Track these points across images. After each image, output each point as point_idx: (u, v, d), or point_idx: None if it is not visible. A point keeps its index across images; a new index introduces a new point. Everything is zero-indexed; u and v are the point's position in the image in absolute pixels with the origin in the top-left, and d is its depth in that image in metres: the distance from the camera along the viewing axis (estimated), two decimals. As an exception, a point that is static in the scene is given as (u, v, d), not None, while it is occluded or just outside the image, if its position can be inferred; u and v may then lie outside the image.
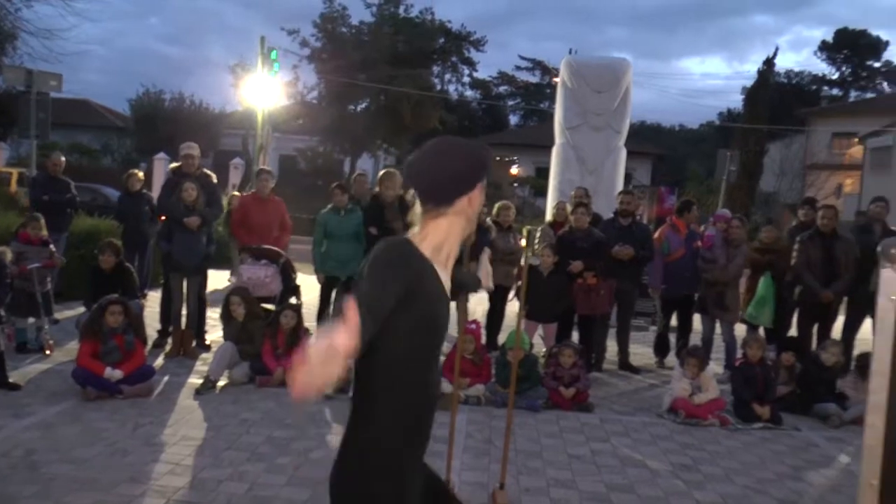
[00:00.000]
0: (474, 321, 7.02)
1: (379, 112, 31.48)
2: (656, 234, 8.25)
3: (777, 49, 33.83)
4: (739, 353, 7.94)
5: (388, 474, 2.05)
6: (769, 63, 30.81)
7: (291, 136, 32.34)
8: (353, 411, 2.10)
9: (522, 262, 8.76)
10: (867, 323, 7.78)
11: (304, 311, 7.23)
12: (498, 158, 38.54)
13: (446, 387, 6.23)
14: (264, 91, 15.98)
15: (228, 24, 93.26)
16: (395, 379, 2.04)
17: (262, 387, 6.28)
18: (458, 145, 2.17)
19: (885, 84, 57.13)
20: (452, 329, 8.80)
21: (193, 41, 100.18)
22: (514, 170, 38.08)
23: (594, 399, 6.50)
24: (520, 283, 8.88)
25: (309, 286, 8.17)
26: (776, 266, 7.68)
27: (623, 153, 11.78)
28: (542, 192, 36.54)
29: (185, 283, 7.36)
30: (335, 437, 5.13)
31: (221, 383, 6.29)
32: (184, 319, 7.44)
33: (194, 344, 7.43)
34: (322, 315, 7.75)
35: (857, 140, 38.22)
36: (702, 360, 6.36)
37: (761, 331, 7.89)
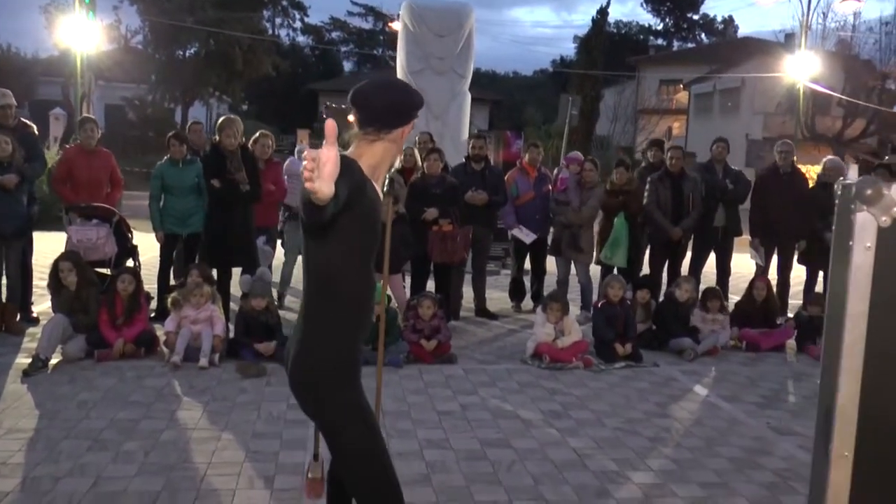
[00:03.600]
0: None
1: (210, 58, 29.77)
2: (505, 178, 8.17)
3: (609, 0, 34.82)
4: (597, 294, 8.15)
5: (344, 360, 2.42)
6: (603, 12, 31.73)
7: (117, 83, 29.88)
8: (306, 310, 2.43)
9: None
10: (711, 257, 8.12)
11: (144, 273, 6.60)
12: (335, 105, 37.69)
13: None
14: (82, 34, 14.49)
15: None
16: (347, 272, 2.38)
17: (102, 361, 5.65)
18: (403, 84, 2.59)
19: (702, 35, 60.80)
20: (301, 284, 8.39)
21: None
22: (352, 117, 37.34)
23: (455, 349, 6.35)
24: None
25: (147, 246, 7.49)
26: (628, 207, 7.81)
27: (468, 98, 11.68)
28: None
29: (4, 251, 6.51)
30: (186, 412, 4.68)
31: (54, 361, 5.59)
32: (4, 291, 6.59)
33: (18, 318, 6.60)
34: (164, 278, 7.10)
35: (682, 86, 40.43)
36: (564, 304, 6.35)
37: (615, 271, 8.04)
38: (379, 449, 2.50)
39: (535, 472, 4.02)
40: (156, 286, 7.12)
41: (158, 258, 7.20)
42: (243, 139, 6.53)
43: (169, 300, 5.94)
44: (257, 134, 7.30)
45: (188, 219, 6.91)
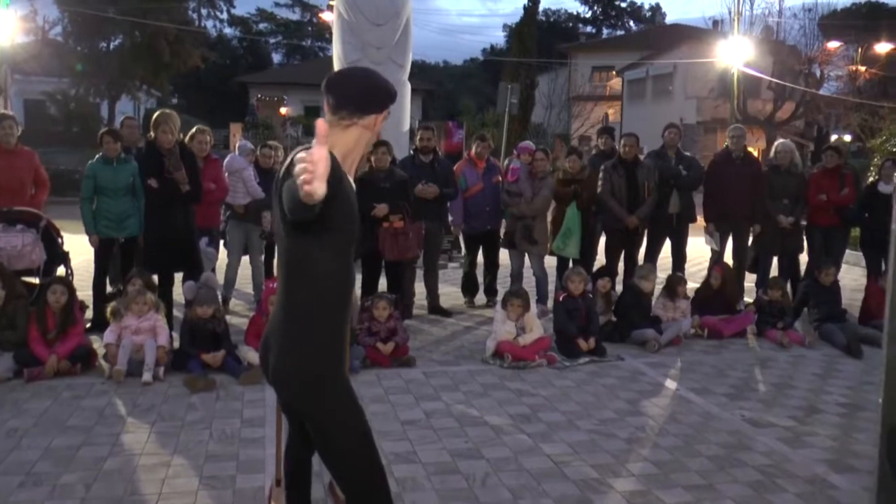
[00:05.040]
0: (275, 278, 6.27)
1: (135, 50, 28.59)
2: (454, 170, 7.93)
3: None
4: (552, 287, 7.98)
5: (330, 353, 2.44)
6: (534, 0, 31.65)
7: (36, 77, 28.47)
8: (287, 305, 2.44)
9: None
10: (666, 245, 8.03)
11: (77, 280, 6.15)
12: (266, 98, 36.89)
13: (255, 357, 5.53)
14: (-4, 26, 13.68)
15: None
16: (328, 264, 2.38)
17: (33, 381, 5.15)
18: (378, 74, 2.54)
19: (631, 22, 61.66)
20: (246, 286, 8.06)
21: None
22: (284, 109, 36.69)
23: (412, 351, 6.07)
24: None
25: (79, 249, 6.99)
26: (581, 196, 7.64)
27: (407, 88, 11.38)
28: (312, 131, 35.58)
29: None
30: (132, 436, 4.29)
31: (-25, 384, 5.10)
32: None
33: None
34: (100, 285, 6.60)
35: (615, 73, 40.84)
36: (525, 300, 6.13)
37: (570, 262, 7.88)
38: (368, 441, 2.53)
39: (511, 484, 3.78)
40: (91, 294, 6.63)
41: (93, 264, 6.68)
42: (181, 135, 6.10)
43: (108, 310, 5.48)
44: (194, 129, 6.85)
45: (124, 221, 6.41)
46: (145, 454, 4.04)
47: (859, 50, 30.62)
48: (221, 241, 7.60)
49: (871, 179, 8.54)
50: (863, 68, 30.32)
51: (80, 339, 5.50)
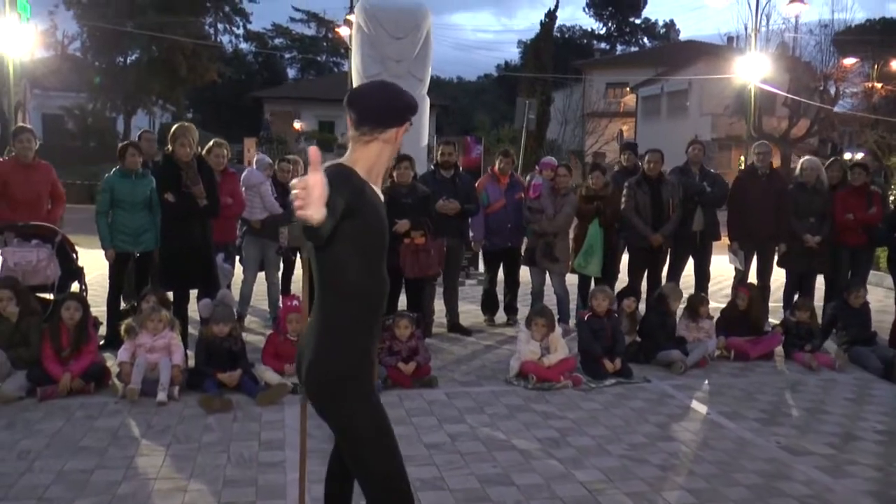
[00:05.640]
0: (294, 296, 6.15)
1: (152, 65, 28.73)
2: (476, 185, 7.80)
3: (558, 3, 35.16)
4: (573, 306, 7.82)
5: (360, 363, 2.49)
6: (551, 16, 31.68)
7: (55, 92, 28.66)
8: (320, 316, 2.49)
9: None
10: (689, 263, 7.86)
11: (90, 296, 6.04)
12: (280, 113, 37.00)
13: (272, 377, 5.42)
14: (15, 39, 13.67)
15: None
16: (358, 275, 2.44)
17: (46, 400, 5.02)
18: (398, 88, 2.54)
19: (645, 39, 61.65)
20: (261, 303, 7.91)
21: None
22: (297, 124, 36.77)
23: (434, 371, 5.90)
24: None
25: (93, 264, 6.88)
26: (604, 213, 7.50)
27: (426, 102, 11.26)
28: (328, 146, 35.67)
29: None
30: (146, 458, 4.16)
31: (-11, 402, 4.97)
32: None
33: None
34: (114, 301, 6.47)
35: (629, 89, 40.74)
36: (550, 320, 5.97)
37: (592, 281, 7.72)
38: (395, 454, 2.54)
39: (544, 513, 3.62)
40: (104, 310, 6.51)
41: (107, 279, 6.57)
42: (199, 149, 6.00)
43: (123, 327, 5.35)
44: (211, 143, 6.73)
45: (140, 236, 6.29)
46: (160, 478, 3.90)
47: (875, 66, 30.40)
48: (237, 257, 7.48)
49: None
50: (879, 85, 30.09)
51: (93, 356, 5.38)
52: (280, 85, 46.25)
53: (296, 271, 7.96)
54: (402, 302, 7.10)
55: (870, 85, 29.59)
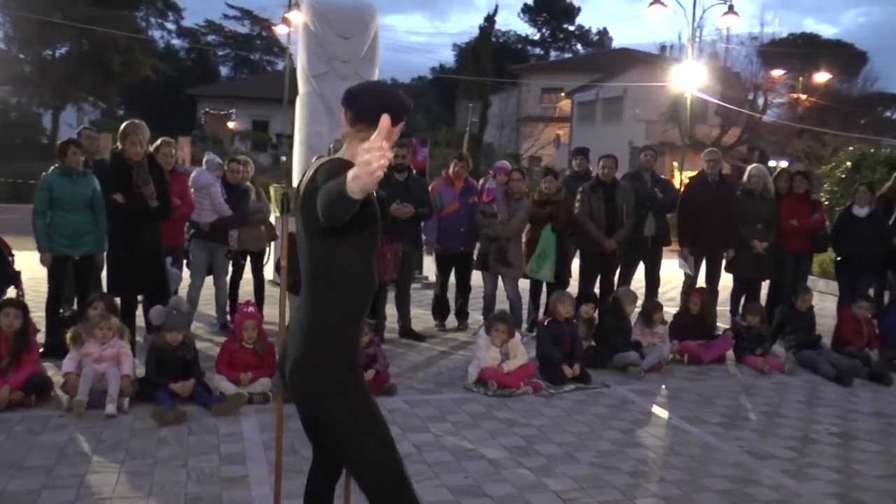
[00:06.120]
0: (250, 302, 5.94)
1: (83, 58, 27.63)
2: (429, 189, 7.71)
3: (497, 7, 35.52)
4: (526, 310, 7.80)
5: (351, 358, 2.46)
6: (490, 20, 31.83)
7: (-26, 86, 27.44)
8: (311, 310, 2.46)
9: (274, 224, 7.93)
10: (639, 268, 7.93)
11: (29, 301, 5.70)
12: (213, 112, 36.24)
13: (227, 387, 5.21)
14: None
15: None
16: (355, 269, 2.44)
17: (-18, 414, 4.71)
18: (393, 89, 2.61)
19: (579, 45, 62.59)
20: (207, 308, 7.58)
21: None
22: (231, 123, 36.06)
23: (391, 378, 5.80)
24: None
25: (29, 267, 6.53)
26: (556, 218, 7.49)
27: (374, 104, 11.08)
28: (262, 146, 35.08)
29: None
30: (99, 476, 3.92)
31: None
32: None
33: None
34: (54, 307, 6.12)
35: (564, 95, 41.22)
36: (510, 325, 5.92)
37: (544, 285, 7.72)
38: (392, 447, 2.51)
39: (520, 524, 3.55)
40: (43, 315, 6.16)
41: (45, 283, 6.22)
42: (149, 147, 5.74)
43: (69, 335, 5.05)
44: (158, 141, 6.44)
45: (81, 238, 5.94)
46: (116, 497, 3.68)
47: (800, 78, 31.53)
48: (184, 261, 7.20)
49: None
50: (804, 96, 31.21)
51: (35, 367, 5.07)
52: (214, 83, 45.31)
53: (244, 275, 7.72)
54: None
55: (795, 96, 30.66)
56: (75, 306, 6.22)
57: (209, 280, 7.24)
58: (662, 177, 8.05)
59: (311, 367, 2.42)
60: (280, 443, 3.13)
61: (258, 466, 4.10)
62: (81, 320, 5.32)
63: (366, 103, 2.49)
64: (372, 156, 1.92)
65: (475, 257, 7.85)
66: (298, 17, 26.14)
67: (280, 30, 27.91)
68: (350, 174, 1.98)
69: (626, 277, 7.87)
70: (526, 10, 61.35)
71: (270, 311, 7.35)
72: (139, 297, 6.00)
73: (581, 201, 7.42)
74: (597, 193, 7.38)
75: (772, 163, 28.26)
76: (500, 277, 7.69)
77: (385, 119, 1.98)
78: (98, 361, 4.93)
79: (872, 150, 13.09)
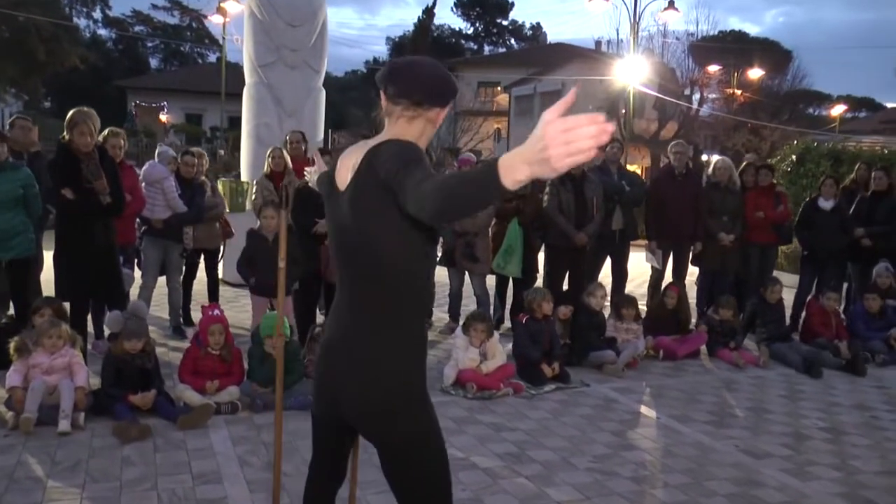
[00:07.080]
0: (213, 305, 5.53)
1: (4, 46, 26.19)
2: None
3: (436, 1, 35.16)
4: (493, 307, 7.56)
5: (422, 367, 2.17)
6: (429, 13, 31.55)
7: None
8: (370, 317, 2.14)
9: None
10: (606, 262, 7.78)
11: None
12: (144, 105, 35.06)
13: (193, 397, 4.82)
14: None
15: None
16: (420, 266, 2.15)
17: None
18: (443, 67, 2.20)
19: (512, 40, 62.86)
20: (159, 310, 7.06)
21: None
22: (164, 116, 34.94)
23: (363, 380, 5.49)
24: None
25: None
26: (523, 212, 7.28)
27: (322, 94, 10.78)
28: (197, 140, 34.00)
29: None
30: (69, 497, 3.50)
31: None
32: None
33: None
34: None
35: (501, 89, 41.23)
36: (489, 325, 5.68)
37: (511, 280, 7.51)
38: (447, 465, 2.24)
39: (530, 540, 3.30)
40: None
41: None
42: (100, 139, 5.27)
43: (12, 345, 4.56)
44: (106, 131, 5.92)
45: (11, 240, 5.41)
46: (82, 526, 3.29)
47: (734, 74, 32.20)
48: (135, 260, 6.72)
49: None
50: (738, 91, 31.91)
51: (-26, 380, 4.59)
52: (144, 75, 43.81)
53: (198, 274, 7.28)
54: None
55: (731, 91, 31.30)
56: (11, 311, 5.70)
57: (161, 280, 6.78)
58: (629, 170, 7.90)
59: (390, 378, 2.12)
60: (278, 468, 2.80)
61: (236, 486, 3.75)
62: (25, 328, 4.85)
63: (419, 78, 2.14)
64: (585, 131, 1.46)
65: (440, 254, 7.57)
66: (235, 7, 25.54)
67: (216, 19, 27.03)
68: (529, 157, 1.52)
69: (594, 271, 7.70)
70: (459, 4, 61.30)
71: (227, 314, 6.93)
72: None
73: (550, 194, 7.22)
74: (566, 186, 7.17)
75: (704, 157, 28.83)
76: (466, 274, 7.44)
77: (571, 94, 1.57)
78: (48, 373, 4.48)
79: (816, 144, 13.27)
